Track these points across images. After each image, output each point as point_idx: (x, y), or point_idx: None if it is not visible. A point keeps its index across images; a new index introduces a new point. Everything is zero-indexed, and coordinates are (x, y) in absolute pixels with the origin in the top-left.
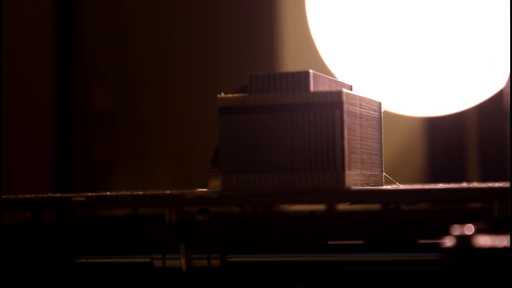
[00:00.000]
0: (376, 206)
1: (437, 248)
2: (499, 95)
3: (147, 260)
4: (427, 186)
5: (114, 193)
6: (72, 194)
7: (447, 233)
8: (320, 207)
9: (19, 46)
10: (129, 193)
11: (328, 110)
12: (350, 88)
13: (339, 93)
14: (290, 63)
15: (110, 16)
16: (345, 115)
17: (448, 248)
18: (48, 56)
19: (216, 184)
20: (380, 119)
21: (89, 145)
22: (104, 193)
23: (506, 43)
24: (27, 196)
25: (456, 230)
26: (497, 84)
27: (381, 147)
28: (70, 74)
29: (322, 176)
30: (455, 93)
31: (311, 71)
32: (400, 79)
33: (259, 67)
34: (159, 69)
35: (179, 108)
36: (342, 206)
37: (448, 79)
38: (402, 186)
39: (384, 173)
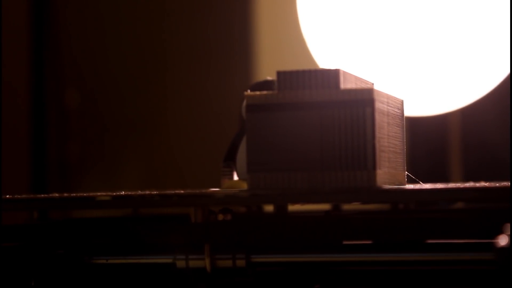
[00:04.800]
0: (384, 206)
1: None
2: (483, 100)
3: (170, 260)
4: (460, 185)
5: (140, 193)
6: (98, 194)
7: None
8: (325, 206)
9: None
10: (156, 192)
11: (358, 107)
12: (373, 85)
13: (370, 91)
14: (277, 60)
15: (85, 16)
16: (376, 113)
17: (502, 248)
18: (23, 56)
19: (228, 184)
20: (403, 118)
21: (64, 145)
22: (130, 193)
23: (492, 48)
24: (51, 195)
25: (509, 229)
26: (482, 89)
27: (404, 146)
28: (45, 74)
29: (352, 175)
30: (440, 95)
31: (340, 68)
32: (385, 78)
33: (240, 68)
34: (134, 70)
35: (154, 109)
36: (348, 206)
37: (434, 81)
38: (427, 186)
39: (406, 172)
